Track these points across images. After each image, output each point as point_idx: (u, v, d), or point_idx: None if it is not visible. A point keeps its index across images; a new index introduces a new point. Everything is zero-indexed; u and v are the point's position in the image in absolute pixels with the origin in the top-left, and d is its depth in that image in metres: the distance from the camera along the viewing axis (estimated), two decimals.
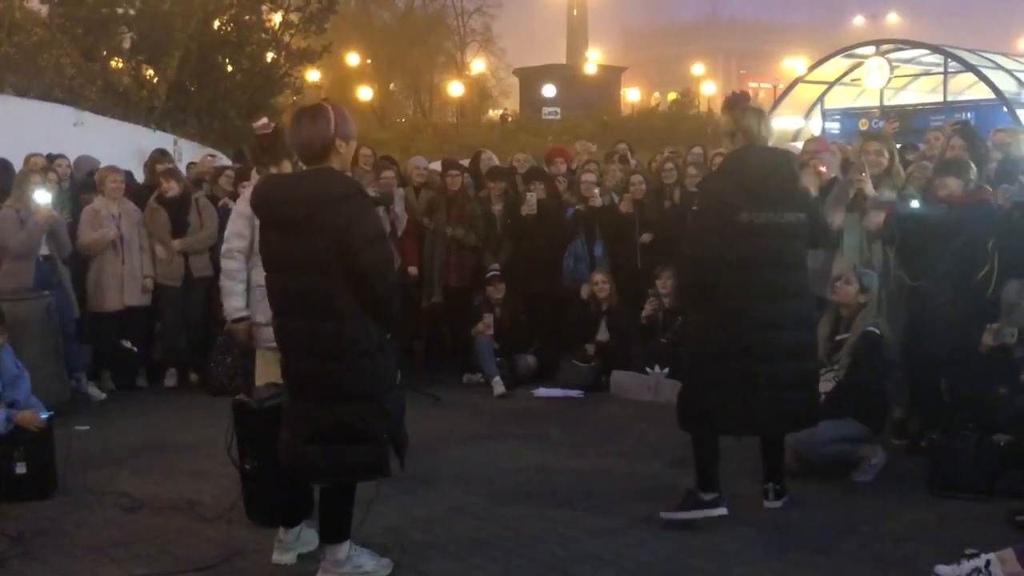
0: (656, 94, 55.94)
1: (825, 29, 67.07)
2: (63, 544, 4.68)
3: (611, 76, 48.95)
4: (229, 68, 17.83)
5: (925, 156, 7.84)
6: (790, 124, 24.31)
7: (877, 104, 23.20)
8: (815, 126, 23.55)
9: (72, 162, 9.39)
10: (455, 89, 43.78)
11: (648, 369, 7.55)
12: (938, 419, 5.73)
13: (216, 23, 17.51)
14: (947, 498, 5.08)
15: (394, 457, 4.06)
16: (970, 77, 21.85)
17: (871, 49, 23.44)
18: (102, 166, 8.56)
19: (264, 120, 5.43)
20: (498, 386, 7.81)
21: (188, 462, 5.96)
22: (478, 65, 51.76)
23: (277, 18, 18.85)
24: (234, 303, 5.24)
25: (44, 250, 7.40)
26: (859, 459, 5.44)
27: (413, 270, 8.30)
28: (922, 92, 24.00)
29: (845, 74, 24.01)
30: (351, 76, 42.67)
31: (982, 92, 21.34)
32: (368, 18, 47.79)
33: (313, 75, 26.14)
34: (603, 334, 8.08)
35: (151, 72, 16.77)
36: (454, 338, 8.87)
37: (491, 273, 8.28)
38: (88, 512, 5.12)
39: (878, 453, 5.49)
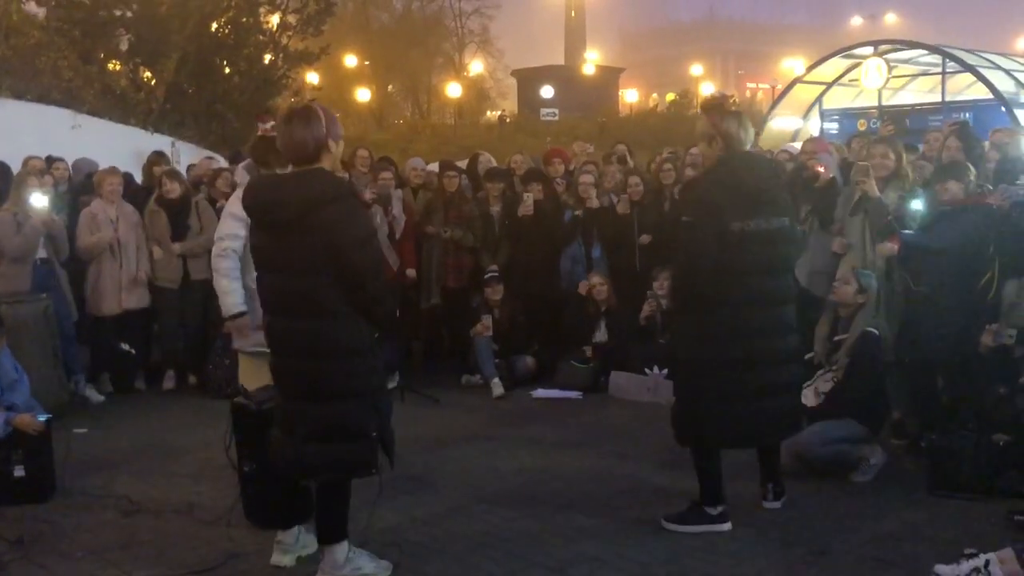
0: (654, 95, 56.01)
1: (823, 30, 67.20)
2: (62, 547, 4.68)
3: (609, 77, 49.05)
4: (227, 70, 17.82)
5: (924, 156, 7.85)
6: (788, 125, 24.30)
7: (875, 104, 23.19)
8: (813, 127, 23.54)
9: (71, 165, 9.39)
10: (453, 90, 43.83)
11: (647, 370, 7.55)
12: (937, 419, 5.73)
13: (214, 25, 17.50)
14: (946, 498, 5.08)
15: (383, 455, 4.08)
16: (968, 77, 21.83)
17: (869, 49, 23.42)
18: (100, 169, 8.55)
19: (273, 122, 5.46)
20: (497, 387, 7.81)
21: (187, 464, 5.96)
22: (476, 66, 51.83)
23: (275, 20, 18.84)
24: (232, 299, 5.26)
25: (42, 253, 7.40)
26: (858, 459, 5.44)
27: (411, 272, 8.30)
28: (920, 92, 23.98)
29: (843, 74, 23.99)
30: (349, 78, 42.70)
31: (980, 92, 21.32)
32: (366, 20, 47.83)
33: (311, 77, 26.10)
34: (601, 335, 8.07)
35: (149, 74, 16.76)
36: (452, 339, 8.87)
37: (489, 274, 8.28)
38: (87, 515, 5.12)
39: (877, 453, 5.49)
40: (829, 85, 24.32)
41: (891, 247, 5.85)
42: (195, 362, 8.13)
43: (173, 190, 8.09)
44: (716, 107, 4.71)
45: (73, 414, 7.03)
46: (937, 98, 22.61)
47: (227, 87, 17.51)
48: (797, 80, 26.01)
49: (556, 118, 40.39)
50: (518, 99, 48.02)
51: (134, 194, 8.48)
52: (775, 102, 26.81)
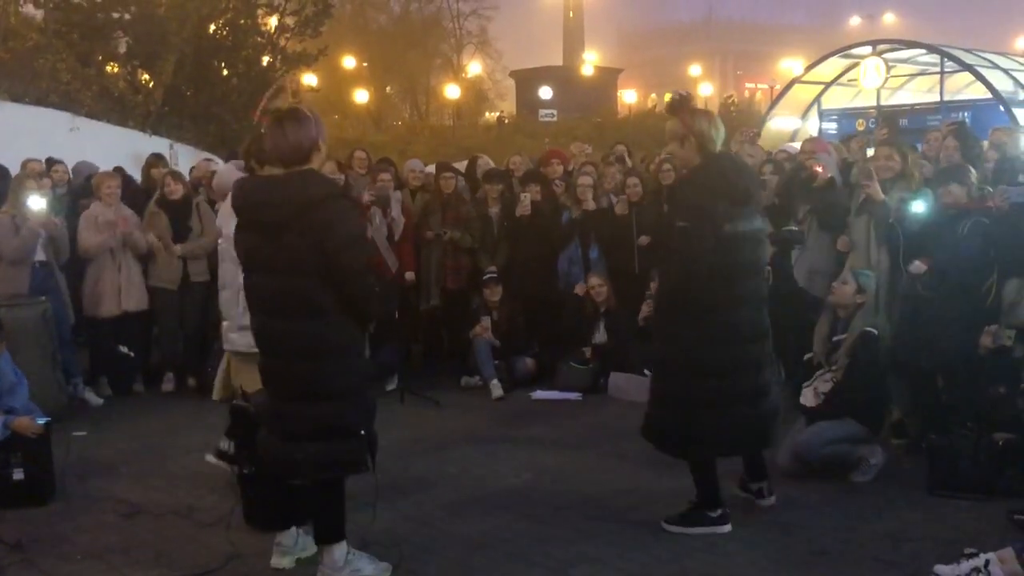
0: (653, 95, 55.98)
1: (822, 29, 67.20)
2: (61, 550, 4.67)
3: (608, 78, 48.98)
4: (225, 72, 17.82)
5: (924, 156, 7.86)
6: (787, 125, 24.31)
7: (874, 104, 23.20)
8: (812, 127, 23.55)
9: (70, 168, 9.39)
10: (451, 92, 43.77)
11: (646, 371, 7.53)
12: (937, 419, 5.73)
13: (212, 27, 17.50)
14: (946, 498, 5.09)
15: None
16: (967, 76, 21.85)
17: (867, 49, 23.43)
18: (100, 171, 8.55)
19: None
20: (496, 389, 7.81)
21: (186, 467, 5.95)
22: (474, 67, 51.78)
23: (273, 22, 18.85)
24: None
25: (41, 256, 7.39)
26: (858, 459, 5.44)
27: (410, 275, 8.27)
28: (919, 92, 24.00)
29: (842, 74, 24.00)
30: (347, 79, 42.62)
31: (979, 91, 21.34)
32: (364, 21, 47.79)
33: (309, 78, 26.10)
34: (601, 336, 8.07)
35: (147, 77, 16.76)
36: (452, 341, 8.86)
37: (488, 276, 8.28)
38: (86, 518, 5.11)
39: (877, 453, 5.49)
40: (828, 85, 24.33)
41: (920, 266, 5.81)
42: (194, 364, 8.12)
43: (176, 191, 8.07)
44: (684, 106, 4.63)
45: (72, 417, 7.02)
46: (936, 98, 22.62)
47: (225, 89, 17.51)
48: (796, 80, 26.02)
49: (555, 119, 40.35)
50: (516, 100, 47.98)
51: (133, 196, 8.47)
52: (774, 102, 26.80)
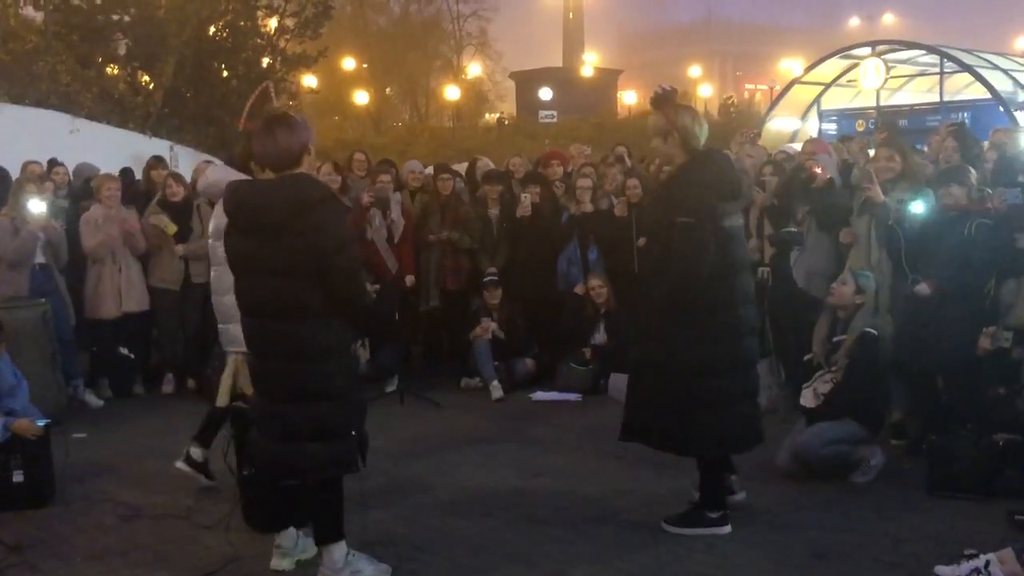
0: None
1: (821, 30, 67.17)
2: (61, 552, 4.67)
3: (607, 79, 49.03)
4: (225, 74, 17.85)
5: (927, 157, 7.88)
6: (787, 125, 24.32)
7: (873, 105, 23.22)
8: (812, 127, 23.56)
9: (71, 169, 9.39)
10: (451, 93, 43.78)
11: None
12: (937, 420, 5.73)
13: (211, 29, 17.54)
14: (946, 499, 5.09)
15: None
16: (966, 77, 21.86)
17: (867, 50, 23.45)
18: (100, 174, 8.55)
19: None
20: (496, 390, 7.81)
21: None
22: (474, 69, 51.77)
23: (273, 23, 18.89)
24: None
25: (41, 258, 7.40)
26: (858, 460, 5.44)
27: (410, 279, 8.25)
28: (919, 92, 24.01)
29: (841, 75, 24.01)
30: (347, 81, 42.66)
31: (978, 92, 21.35)
32: (364, 23, 47.81)
33: (309, 80, 26.12)
34: (601, 337, 8.07)
35: (147, 78, 16.79)
36: (452, 342, 8.86)
37: (488, 279, 8.28)
38: (86, 520, 5.11)
39: (877, 454, 5.49)
40: (827, 86, 24.35)
41: (924, 289, 5.78)
42: (194, 366, 8.11)
43: (177, 193, 8.08)
44: (668, 101, 4.60)
45: (72, 419, 7.01)
46: (935, 98, 22.64)
47: (225, 91, 17.54)
48: (795, 81, 26.03)
49: (555, 120, 40.38)
50: (516, 101, 48.02)
51: (133, 198, 8.48)
52: (773, 103, 26.82)
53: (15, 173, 8.20)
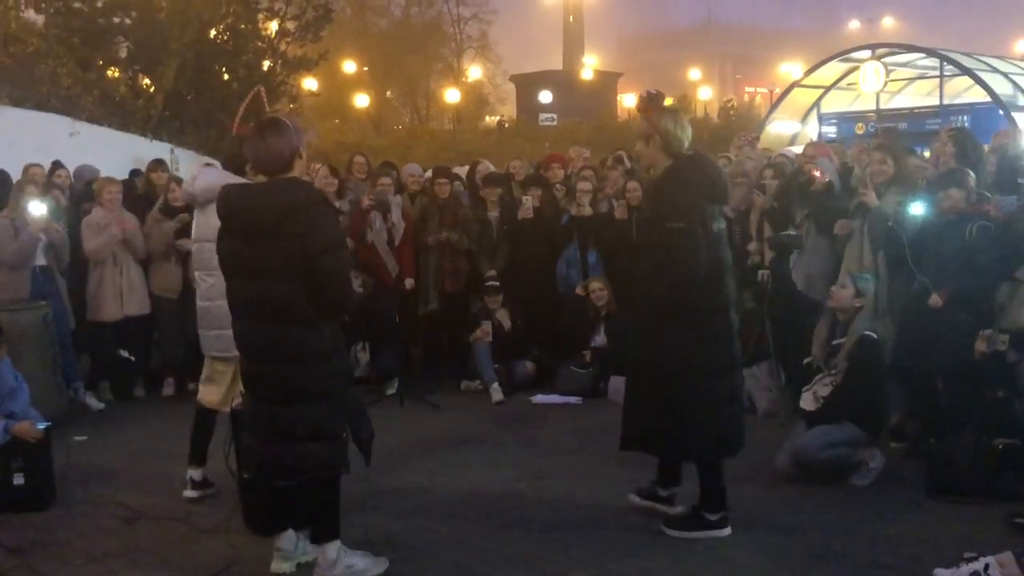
0: None
1: (821, 34, 67.18)
2: (61, 555, 4.68)
3: (607, 82, 48.96)
4: (226, 77, 17.83)
5: (928, 161, 7.89)
6: (787, 128, 24.33)
7: (873, 108, 23.23)
8: (812, 130, 23.58)
9: (72, 172, 9.40)
10: (452, 96, 43.75)
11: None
12: (937, 423, 5.73)
13: (212, 32, 17.51)
14: (946, 501, 5.09)
15: (358, 455, 4.20)
16: (966, 80, 21.86)
17: (867, 53, 23.47)
18: (101, 176, 8.56)
19: None
20: (496, 393, 7.81)
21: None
22: (475, 72, 51.77)
23: (273, 26, 18.88)
24: None
25: (41, 260, 7.40)
26: (857, 463, 5.45)
27: (410, 282, 8.25)
28: (918, 96, 24.03)
29: (841, 78, 24.02)
30: (348, 83, 42.65)
31: (978, 95, 21.36)
32: (364, 26, 47.81)
33: (310, 83, 26.12)
34: (601, 340, 8.07)
35: (147, 81, 16.77)
36: (452, 344, 8.87)
37: (489, 283, 8.28)
38: (86, 522, 5.12)
39: (876, 457, 5.50)
40: (827, 89, 24.36)
41: (937, 301, 5.78)
42: (194, 369, 8.10)
43: (179, 196, 8.07)
44: (652, 105, 4.65)
45: (72, 421, 7.03)
46: (935, 101, 22.65)
47: (226, 94, 17.51)
48: (795, 84, 26.03)
49: (555, 123, 40.35)
50: (517, 104, 47.97)
51: (134, 202, 8.48)
52: (773, 106, 26.82)
53: (16, 176, 8.20)
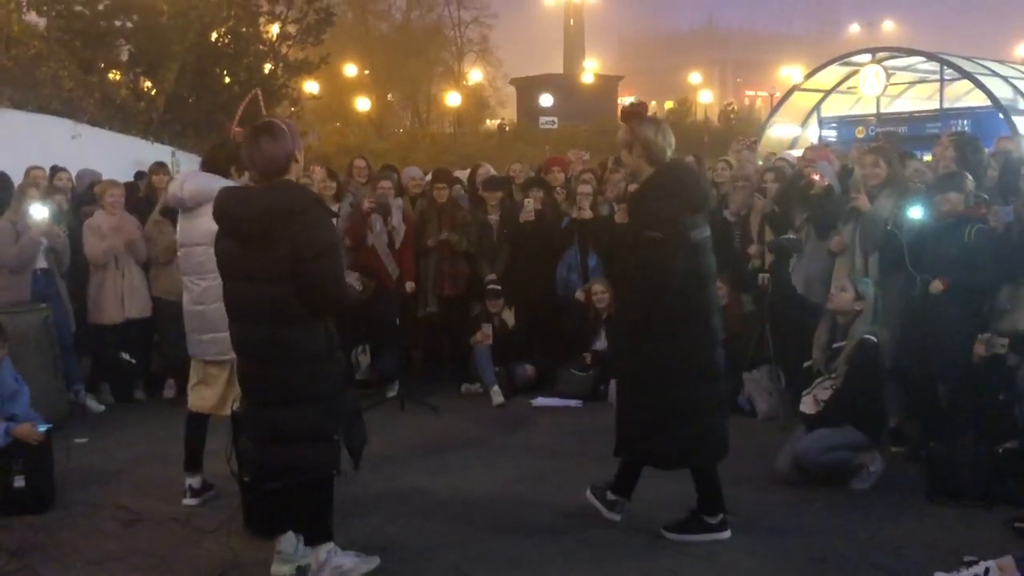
0: (653, 103, 55.99)
1: (821, 37, 67.35)
2: (62, 558, 4.68)
3: (608, 85, 49.00)
4: (227, 80, 17.84)
5: (930, 166, 7.89)
6: (787, 132, 24.36)
7: (874, 112, 23.25)
8: (812, 134, 23.60)
9: (74, 175, 9.41)
10: (452, 99, 43.82)
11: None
12: (937, 427, 5.73)
13: (214, 35, 17.53)
14: (946, 505, 5.09)
15: (348, 458, 4.24)
16: (966, 84, 21.89)
17: (867, 57, 23.50)
18: (104, 179, 8.57)
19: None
20: (497, 396, 7.81)
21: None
22: (475, 75, 51.84)
23: (275, 29, 18.90)
24: None
25: (42, 263, 7.40)
26: (858, 466, 5.45)
27: (410, 285, 8.25)
28: (918, 99, 24.06)
29: (841, 82, 24.06)
30: (349, 87, 42.72)
31: (979, 99, 21.39)
32: (365, 29, 47.88)
33: (311, 86, 26.15)
34: (602, 343, 8.07)
35: (149, 84, 16.80)
36: (452, 347, 8.87)
37: (490, 288, 8.28)
38: (87, 525, 5.12)
39: (877, 460, 5.50)
40: (827, 93, 24.40)
41: (938, 285, 5.79)
42: None
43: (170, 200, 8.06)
44: (633, 114, 4.69)
45: (73, 424, 7.03)
46: (935, 105, 22.68)
47: (227, 97, 17.52)
48: (795, 88, 26.08)
49: (555, 126, 40.41)
50: (517, 108, 48.04)
51: (136, 204, 8.49)
52: (773, 110, 26.87)
53: (17, 178, 8.20)
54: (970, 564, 4.08)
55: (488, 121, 48.92)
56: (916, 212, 5.96)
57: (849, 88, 23.88)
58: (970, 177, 6.10)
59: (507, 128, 41.70)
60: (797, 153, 9.46)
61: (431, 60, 49.76)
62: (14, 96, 13.90)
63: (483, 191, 8.90)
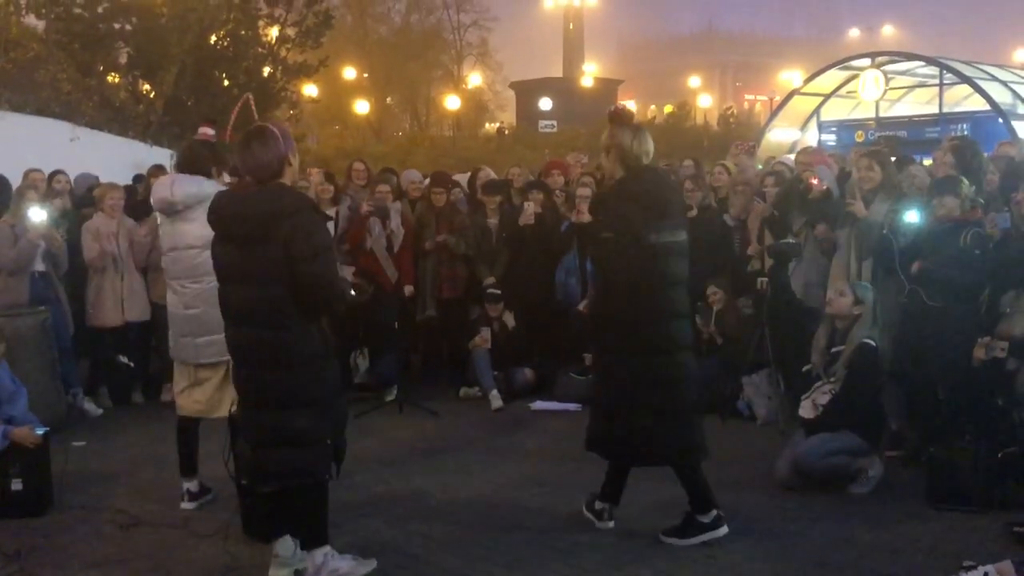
0: (653, 107, 56.14)
1: (821, 42, 67.45)
2: (59, 561, 4.67)
3: (607, 89, 49.03)
4: (226, 83, 17.82)
5: (929, 171, 7.89)
6: (786, 136, 24.37)
7: (873, 116, 23.27)
8: (811, 138, 23.61)
9: (72, 179, 9.40)
10: (452, 102, 43.85)
11: None
12: (937, 431, 5.73)
13: (213, 38, 17.52)
14: (945, 510, 5.08)
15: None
16: (966, 89, 21.90)
17: (866, 61, 23.51)
18: (103, 183, 8.56)
19: (213, 130, 5.56)
20: (496, 399, 7.80)
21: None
22: (475, 79, 51.90)
23: (274, 32, 18.88)
24: None
25: (40, 266, 7.39)
26: (857, 471, 5.44)
27: (409, 289, 8.25)
28: (918, 104, 24.06)
29: (841, 86, 24.06)
30: (348, 90, 42.75)
31: (978, 104, 21.39)
32: (365, 32, 47.94)
33: (310, 89, 26.15)
34: None
35: (148, 87, 16.78)
36: (451, 350, 8.86)
37: (489, 292, 8.28)
38: (84, 528, 5.11)
39: (876, 465, 5.49)
40: (827, 97, 24.40)
41: (916, 265, 5.82)
42: None
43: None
44: (614, 120, 4.76)
45: (71, 427, 7.01)
46: (935, 109, 22.68)
47: (226, 100, 17.49)
48: (795, 92, 26.08)
49: (554, 130, 40.43)
50: (516, 111, 48.09)
51: (135, 207, 8.48)
52: (773, 114, 26.87)
53: (16, 181, 8.20)
54: (969, 569, 4.07)
55: (487, 125, 48.99)
56: (912, 216, 5.96)
57: (849, 92, 23.88)
58: (966, 181, 6.10)
59: (506, 132, 41.72)
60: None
61: (430, 63, 49.83)
62: (13, 99, 13.90)
63: (482, 195, 8.89)
